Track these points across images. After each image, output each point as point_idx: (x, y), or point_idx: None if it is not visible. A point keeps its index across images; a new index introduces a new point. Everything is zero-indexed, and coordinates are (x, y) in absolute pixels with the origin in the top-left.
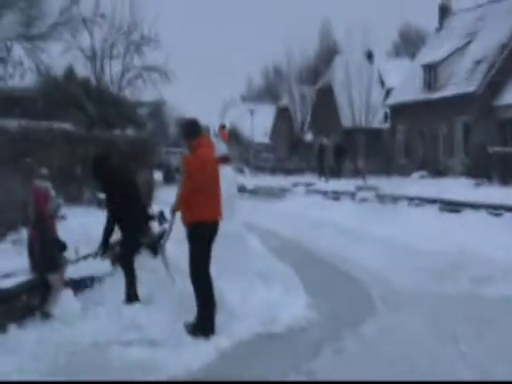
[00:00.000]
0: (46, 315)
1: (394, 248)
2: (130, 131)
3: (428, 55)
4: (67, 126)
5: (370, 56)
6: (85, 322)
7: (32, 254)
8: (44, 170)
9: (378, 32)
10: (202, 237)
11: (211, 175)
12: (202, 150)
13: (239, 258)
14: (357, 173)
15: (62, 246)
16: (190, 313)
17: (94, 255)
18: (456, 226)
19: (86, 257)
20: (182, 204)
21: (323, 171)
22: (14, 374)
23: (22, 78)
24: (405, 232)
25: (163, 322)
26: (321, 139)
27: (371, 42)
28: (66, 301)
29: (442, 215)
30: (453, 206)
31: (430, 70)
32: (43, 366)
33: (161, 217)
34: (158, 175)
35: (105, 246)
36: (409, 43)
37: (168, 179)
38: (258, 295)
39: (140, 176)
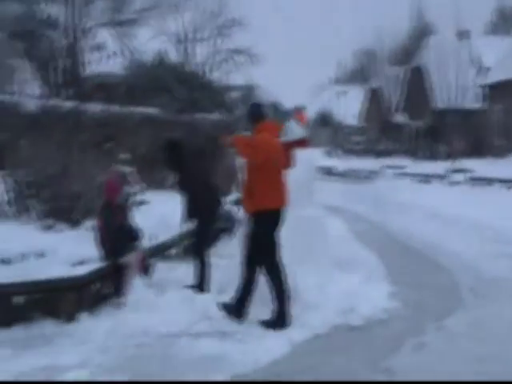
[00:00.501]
0: (118, 303)
1: (487, 234)
2: (215, 115)
3: None
4: (151, 110)
5: (463, 35)
6: (157, 311)
7: (100, 243)
8: (124, 155)
9: (471, 10)
10: (265, 226)
11: (271, 160)
12: (262, 134)
13: (318, 245)
14: (452, 155)
15: (134, 234)
16: (264, 304)
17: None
18: None
19: (162, 243)
20: (244, 192)
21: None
22: (76, 368)
23: (112, 63)
24: (498, 217)
25: None
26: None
27: (465, 20)
28: (138, 288)
29: None
30: None
31: None
32: (109, 358)
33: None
34: None
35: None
36: (506, 21)
37: None
38: (337, 284)
39: (223, 159)
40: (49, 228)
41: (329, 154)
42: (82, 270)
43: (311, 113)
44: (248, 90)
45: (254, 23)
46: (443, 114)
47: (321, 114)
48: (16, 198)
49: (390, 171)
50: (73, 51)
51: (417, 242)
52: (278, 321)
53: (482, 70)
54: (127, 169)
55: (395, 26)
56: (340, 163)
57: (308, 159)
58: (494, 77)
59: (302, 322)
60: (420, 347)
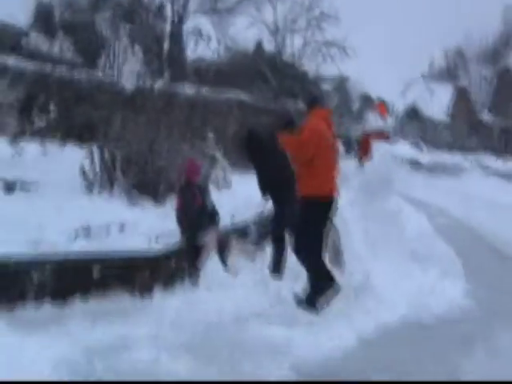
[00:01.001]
0: (193, 281)
1: None
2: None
3: None
4: (242, 95)
5: None
6: (230, 291)
7: (179, 221)
8: (210, 134)
9: None
10: (312, 214)
11: (320, 147)
12: (313, 120)
13: (394, 238)
14: None
15: (213, 214)
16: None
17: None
18: None
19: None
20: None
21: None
22: (146, 343)
23: (210, 49)
24: None
25: None
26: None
27: None
28: (213, 268)
29: None
30: None
31: None
32: (179, 336)
33: None
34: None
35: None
36: None
37: (348, 150)
38: (412, 279)
39: None
40: (133, 202)
41: (416, 146)
42: (159, 246)
43: (400, 107)
44: (339, 81)
45: (348, 17)
46: None
47: (410, 108)
48: (103, 172)
49: (479, 168)
50: (175, 37)
51: (499, 242)
52: (308, 302)
53: None
54: (216, 153)
55: (485, 27)
56: (427, 157)
57: (385, 153)
58: None
59: (374, 315)
60: (493, 351)
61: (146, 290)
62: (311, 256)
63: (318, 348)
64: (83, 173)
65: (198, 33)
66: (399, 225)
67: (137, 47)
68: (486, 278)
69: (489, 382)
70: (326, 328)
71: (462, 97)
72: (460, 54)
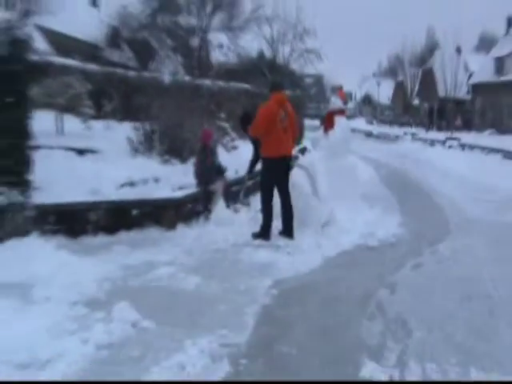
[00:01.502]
0: (206, 218)
1: (469, 183)
2: (288, 91)
3: (498, 52)
4: (248, 86)
5: (458, 50)
6: (232, 226)
7: (196, 175)
8: (222, 114)
9: (464, 34)
10: (270, 169)
11: (270, 123)
12: (269, 103)
13: (350, 185)
14: (455, 128)
15: (221, 169)
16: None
17: (243, 179)
18: None
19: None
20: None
21: (429, 126)
22: (166, 265)
23: (226, 56)
24: (479, 172)
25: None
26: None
27: (460, 40)
28: (221, 209)
29: (504, 161)
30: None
31: (500, 61)
32: (192, 259)
33: (304, 150)
34: (315, 122)
35: (250, 173)
36: (485, 43)
37: (321, 124)
38: (362, 214)
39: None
40: (166, 162)
41: (369, 122)
42: (181, 194)
43: (358, 95)
44: (318, 77)
45: (322, 29)
46: (445, 100)
47: (365, 96)
48: (145, 141)
49: (409, 136)
50: (202, 46)
51: (422, 184)
52: (264, 235)
53: (469, 74)
54: (224, 124)
55: (415, 40)
56: (376, 128)
57: (344, 124)
58: (476, 79)
59: (336, 241)
60: (418, 266)
61: (171, 225)
62: (263, 203)
63: (294, 267)
64: (131, 141)
65: (219, 44)
66: (353, 175)
67: (178, 55)
68: (413, 213)
69: (489, 381)
70: (300, 252)
71: (399, 88)
72: (398, 58)
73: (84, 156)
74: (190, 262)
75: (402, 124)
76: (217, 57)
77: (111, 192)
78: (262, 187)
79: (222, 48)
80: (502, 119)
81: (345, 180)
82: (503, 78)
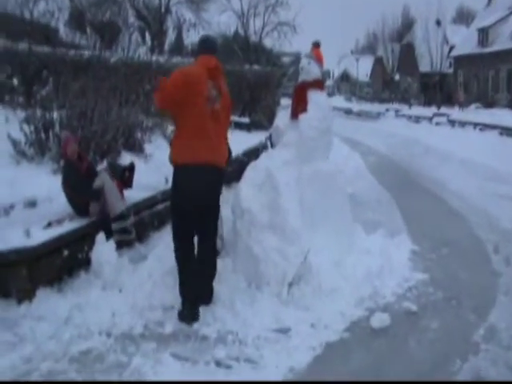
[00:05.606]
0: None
1: (476, 170)
2: (257, 66)
3: (480, 23)
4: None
5: (438, 23)
6: (127, 289)
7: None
8: None
9: (444, 5)
10: (180, 188)
11: (191, 93)
12: (193, 65)
13: (334, 202)
14: (459, 104)
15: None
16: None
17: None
18: None
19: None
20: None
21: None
22: None
23: (189, 31)
24: (481, 154)
25: None
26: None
27: (439, 13)
28: (107, 252)
29: (503, 139)
30: (510, 132)
31: (483, 32)
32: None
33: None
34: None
35: None
36: (463, 15)
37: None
38: (355, 250)
39: (264, 100)
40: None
41: (348, 99)
42: (44, 236)
43: (337, 73)
44: (295, 56)
45: (296, 2)
46: (427, 75)
47: (343, 73)
48: (36, 140)
49: (392, 113)
50: (161, 25)
51: (423, 175)
52: (186, 316)
53: (450, 47)
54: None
55: (393, 15)
56: (356, 106)
57: (323, 103)
58: (459, 51)
59: (313, 323)
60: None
61: (23, 295)
62: (175, 250)
63: None
64: (15, 142)
65: (191, 24)
66: (339, 185)
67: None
68: (429, 231)
69: (489, 382)
70: (242, 363)
71: (378, 64)
72: (376, 34)
73: None
74: None
75: (382, 100)
76: (191, 38)
77: None
78: (172, 222)
79: (195, 28)
80: (486, 92)
81: (327, 195)
82: (487, 49)
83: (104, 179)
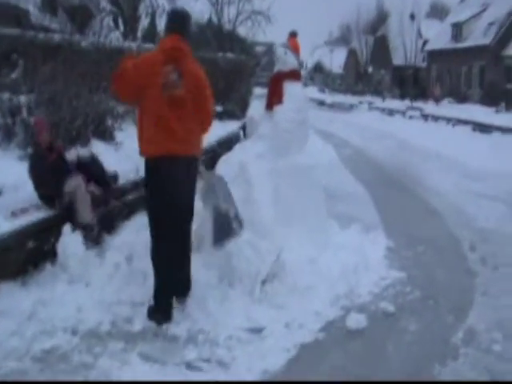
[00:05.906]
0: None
1: (451, 166)
2: (230, 54)
3: (454, 18)
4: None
5: (412, 17)
6: (94, 284)
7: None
8: None
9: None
10: (152, 182)
11: (146, 78)
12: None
13: (310, 198)
14: (435, 99)
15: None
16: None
17: None
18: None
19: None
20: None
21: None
22: None
23: (162, 18)
24: (455, 149)
25: None
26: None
27: (414, 6)
28: (74, 245)
29: (476, 135)
30: (483, 128)
31: (457, 27)
32: None
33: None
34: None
35: None
36: (438, 10)
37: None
38: (330, 246)
39: (237, 89)
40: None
41: (321, 91)
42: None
43: (310, 64)
44: (269, 46)
45: None
46: (400, 68)
47: (316, 64)
48: (3, 125)
49: (365, 105)
50: (135, 11)
51: (397, 169)
52: (158, 314)
53: (424, 41)
54: None
55: (367, 8)
56: (329, 97)
57: (299, 95)
58: (432, 46)
59: (287, 323)
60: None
61: None
62: (152, 245)
63: None
64: None
65: (156, 6)
66: (315, 179)
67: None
68: (405, 228)
69: (489, 381)
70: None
71: (352, 56)
72: (350, 26)
73: None
74: None
75: (355, 92)
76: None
77: None
78: (148, 216)
79: (157, 9)
80: (459, 87)
81: (302, 190)
82: (460, 45)
83: (77, 185)
